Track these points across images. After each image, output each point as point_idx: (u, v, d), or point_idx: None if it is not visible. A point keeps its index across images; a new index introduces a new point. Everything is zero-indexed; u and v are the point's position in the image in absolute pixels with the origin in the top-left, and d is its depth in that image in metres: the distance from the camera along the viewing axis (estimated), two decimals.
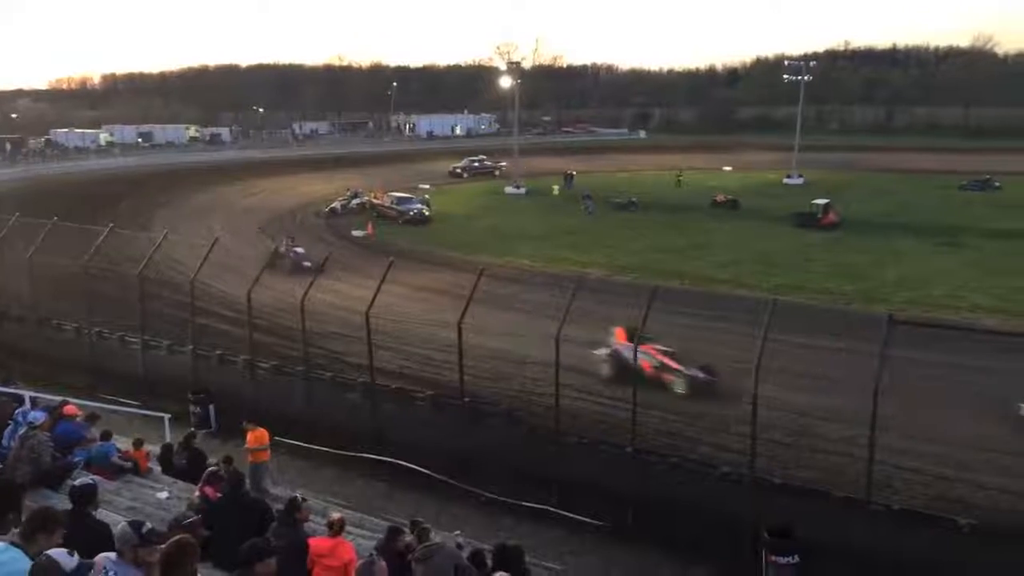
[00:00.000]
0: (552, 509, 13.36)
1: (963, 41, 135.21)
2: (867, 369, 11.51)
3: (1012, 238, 38.35)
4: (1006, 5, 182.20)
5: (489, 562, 8.42)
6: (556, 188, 59.68)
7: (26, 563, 4.72)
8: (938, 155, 79.00)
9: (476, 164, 69.28)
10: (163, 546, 4.98)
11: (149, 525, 5.35)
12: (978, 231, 40.61)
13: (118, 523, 5.84)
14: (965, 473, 13.87)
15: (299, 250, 31.14)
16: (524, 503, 13.55)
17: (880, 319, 12.50)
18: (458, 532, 9.48)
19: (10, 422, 10.50)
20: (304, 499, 8.42)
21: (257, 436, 13.00)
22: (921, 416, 14.80)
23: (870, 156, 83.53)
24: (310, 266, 26.40)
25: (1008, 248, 36.32)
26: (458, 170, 67.80)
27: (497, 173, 68.13)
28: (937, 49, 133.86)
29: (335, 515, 8.26)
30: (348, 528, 8.98)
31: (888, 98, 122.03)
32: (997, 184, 60.55)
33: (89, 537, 6.15)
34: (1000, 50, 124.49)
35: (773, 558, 11.12)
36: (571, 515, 13.19)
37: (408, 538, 8.26)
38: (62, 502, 7.84)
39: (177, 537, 5.12)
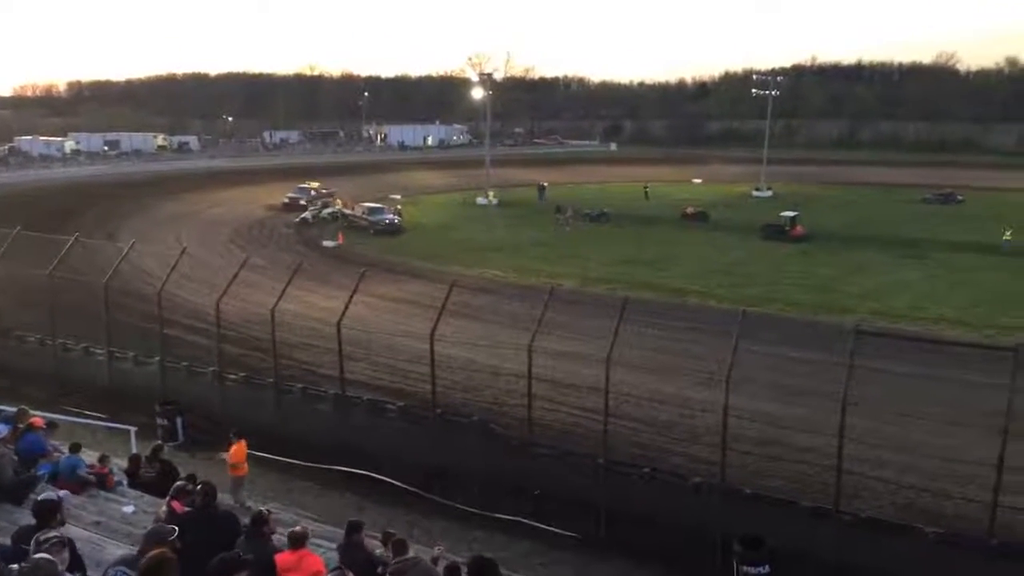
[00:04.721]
0: (525, 520, 13.33)
1: (926, 58, 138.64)
2: (834, 379, 11.69)
3: (973, 251, 39.22)
4: (968, 24, 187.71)
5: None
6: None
7: None
8: (902, 169, 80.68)
9: (312, 194, 55.05)
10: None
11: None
12: (940, 244, 41.47)
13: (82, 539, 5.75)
14: (932, 483, 14.07)
15: None
16: (497, 515, 13.51)
17: (847, 330, 12.71)
18: (439, 546, 9.41)
19: None
20: (271, 512, 8.32)
21: (236, 449, 12.93)
22: (888, 425, 15.00)
23: (836, 169, 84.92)
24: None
25: (969, 261, 37.15)
26: (300, 201, 52.78)
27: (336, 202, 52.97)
28: (901, 65, 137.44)
29: (296, 528, 8.17)
30: (319, 541, 8.88)
31: (853, 112, 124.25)
32: (960, 197, 61.88)
33: None
34: (962, 67, 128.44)
35: (744, 568, 11.19)
36: (544, 526, 13.17)
37: (378, 540, 8.21)
38: (25, 517, 7.67)
39: (156, 551, 5.07)
